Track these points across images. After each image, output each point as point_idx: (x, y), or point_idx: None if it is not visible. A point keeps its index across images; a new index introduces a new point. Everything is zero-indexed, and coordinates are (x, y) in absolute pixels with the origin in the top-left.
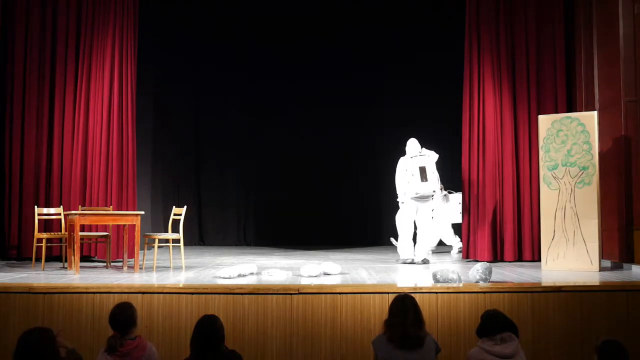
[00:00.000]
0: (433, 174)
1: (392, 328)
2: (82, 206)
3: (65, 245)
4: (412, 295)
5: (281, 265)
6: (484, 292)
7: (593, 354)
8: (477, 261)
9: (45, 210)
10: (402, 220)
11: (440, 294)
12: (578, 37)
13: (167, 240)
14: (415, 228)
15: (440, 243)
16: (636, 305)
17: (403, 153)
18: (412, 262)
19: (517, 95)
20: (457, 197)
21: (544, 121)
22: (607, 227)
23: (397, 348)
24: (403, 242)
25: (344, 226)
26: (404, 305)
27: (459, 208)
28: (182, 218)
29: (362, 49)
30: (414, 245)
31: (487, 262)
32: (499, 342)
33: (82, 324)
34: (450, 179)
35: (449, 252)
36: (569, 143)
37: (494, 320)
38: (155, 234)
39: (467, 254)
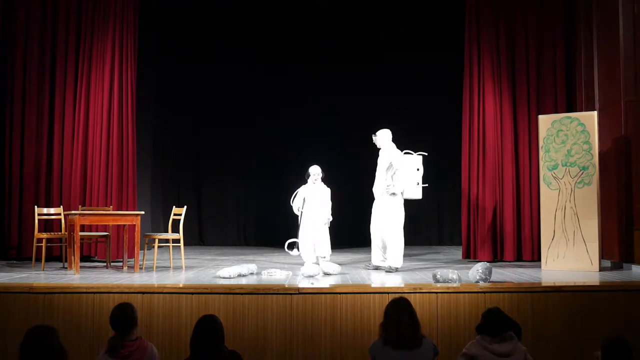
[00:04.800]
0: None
1: (387, 329)
2: (82, 206)
3: (65, 245)
4: (412, 295)
5: (281, 265)
6: (484, 292)
7: (598, 351)
8: (477, 261)
9: (45, 210)
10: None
11: (440, 294)
12: (578, 37)
13: (167, 240)
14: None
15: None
16: (636, 305)
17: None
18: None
19: (517, 96)
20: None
21: (544, 121)
22: (607, 227)
23: (394, 349)
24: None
25: (343, 226)
26: (399, 308)
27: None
28: (182, 218)
29: (361, 50)
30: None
31: (487, 262)
32: (498, 340)
33: (82, 324)
34: (451, 179)
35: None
36: (569, 143)
37: (496, 321)
38: (156, 234)
39: (467, 254)
